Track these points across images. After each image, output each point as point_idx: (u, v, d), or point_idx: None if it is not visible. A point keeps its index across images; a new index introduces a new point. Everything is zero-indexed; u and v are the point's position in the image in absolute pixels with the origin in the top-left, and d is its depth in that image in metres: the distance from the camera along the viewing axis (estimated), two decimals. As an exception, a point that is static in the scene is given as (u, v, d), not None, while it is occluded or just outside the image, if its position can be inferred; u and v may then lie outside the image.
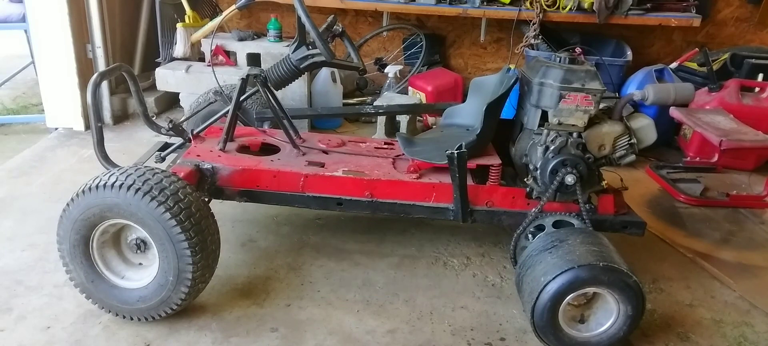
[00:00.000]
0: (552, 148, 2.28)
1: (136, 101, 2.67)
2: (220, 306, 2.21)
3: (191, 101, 3.67)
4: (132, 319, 2.07)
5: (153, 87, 4.08)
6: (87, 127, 3.82)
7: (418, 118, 4.25)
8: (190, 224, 1.92)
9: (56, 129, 3.86)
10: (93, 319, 2.09)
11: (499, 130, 2.49)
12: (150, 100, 4.12)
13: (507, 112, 2.57)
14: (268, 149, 2.61)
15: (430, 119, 4.29)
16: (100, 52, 3.81)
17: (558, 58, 2.35)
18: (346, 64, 2.60)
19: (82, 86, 3.76)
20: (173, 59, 4.03)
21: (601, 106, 2.33)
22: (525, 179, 2.39)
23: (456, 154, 2.20)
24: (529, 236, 2.36)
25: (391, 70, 4.44)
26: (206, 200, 2.14)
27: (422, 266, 2.58)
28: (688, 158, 3.82)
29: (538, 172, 2.31)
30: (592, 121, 2.32)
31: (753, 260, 2.84)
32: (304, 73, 2.49)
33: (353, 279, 2.44)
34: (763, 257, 2.87)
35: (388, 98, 4.01)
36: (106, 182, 1.90)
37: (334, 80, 4.15)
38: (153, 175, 1.95)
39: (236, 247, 2.62)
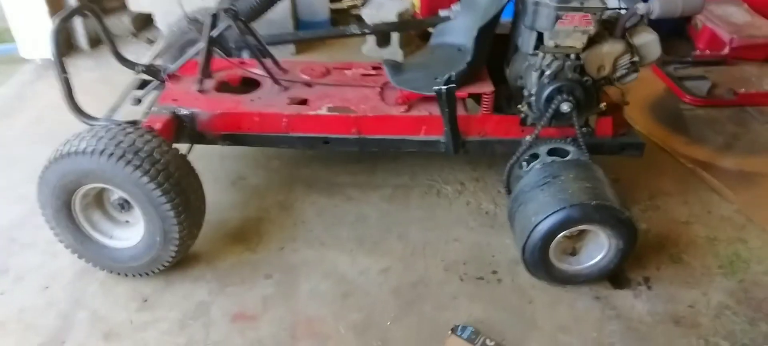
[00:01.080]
0: (547, 73, 2.15)
1: (104, 39, 2.52)
2: (214, 254, 2.22)
3: (168, 21, 3.47)
4: (126, 275, 2.09)
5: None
6: (64, 55, 3.64)
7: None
8: (169, 185, 1.86)
9: (33, 60, 3.69)
10: (89, 276, 2.11)
11: (494, 47, 2.33)
12: (126, 20, 3.90)
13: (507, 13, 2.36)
14: (250, 82, 2.49)
15: (425, 21, 4.05)
16: (65, -28, 3.54)
17: (556, -27, 2.12)
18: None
19: (52, 13, 3.54)
20: (145, -27, 3.76)
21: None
22: (519, 106, 2.28)
23: (444, 90, 2.07)
24: (524, 163, 2.30)
25: (381, -32, 4.12)
26: (185, 154, 2.06)
27: (415, 196, 2.55)
28: (698, 52, 3.62)
29: (533, 98, 2.21)
30: (592, 41, 2.16)
31: (755, 167, 2.78)
32: (276, 3, 2.29)
33: (346, 215, 2.43)
34: (765, 163, 2.81)
35: (378, 4, 3.76)
36: (78, 148, 1.82)
37: (320, -16, 3.87)
38: (126, 135, 1.87)
39: (226, 186, 2.59)
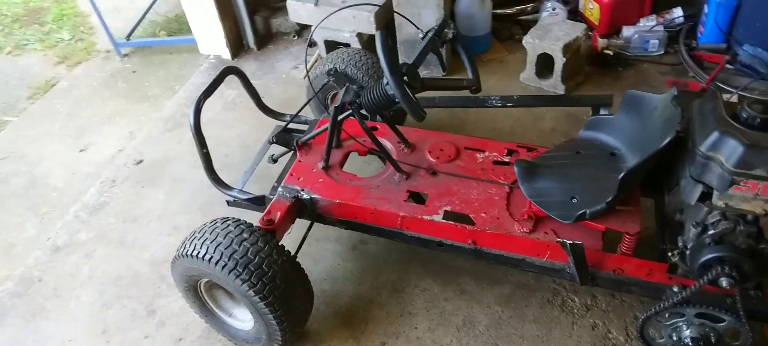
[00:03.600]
0: (711, 232, 1.73)
1: (250, 95, 2.67)
2: (322, 335, 2.30)
3: (322, 36, 3.51)
4: (242, 347, 2.29)
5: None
6: (234, 56, 3.92)
7: (588, 33, 3.49)
8: (274, 298, 1.94)
9: (208, 57, 4.02)
10: (214, 336, 2.35)
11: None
12: (292, 20, 3.99)
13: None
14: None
15: (601, 42, 3.50)
16: (234, -18, 3.72)
17: (745, 114, 1.64)
18: (456, 84, 2.16)
19: (223, 18, 3.79)
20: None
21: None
22: (670, 254, 1.89)
23: (569, 246, 1.80)
24: (666, 314, 1.95)
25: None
26: (294, 260, 2.08)
27: (535, 303, 2.33)
28: None
29: (688, 252, 1.81)
30: (780, 204, 1.67)
31: None
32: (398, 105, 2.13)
33: (454, 315, 2.32)
34: None
35: (544, 30, 3.31)
36: (197, 252, 1.95)
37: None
38: (240, 244, 1.95)
39: (347, 251, 2.62)
